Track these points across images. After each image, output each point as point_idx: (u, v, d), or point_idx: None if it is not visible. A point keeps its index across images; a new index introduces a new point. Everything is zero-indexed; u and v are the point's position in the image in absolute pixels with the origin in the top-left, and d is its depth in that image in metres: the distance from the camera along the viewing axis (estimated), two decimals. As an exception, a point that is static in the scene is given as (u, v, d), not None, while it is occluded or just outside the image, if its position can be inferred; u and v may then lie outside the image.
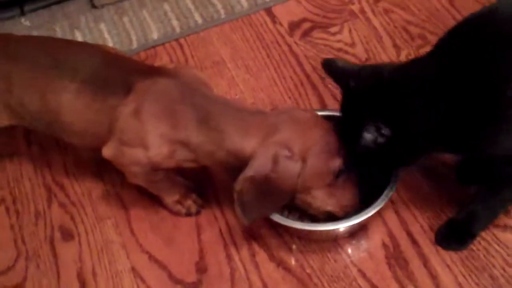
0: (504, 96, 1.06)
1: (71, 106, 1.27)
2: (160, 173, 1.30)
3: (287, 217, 1.30)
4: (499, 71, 1.07)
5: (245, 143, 1.18)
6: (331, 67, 1.28)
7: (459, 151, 1.23)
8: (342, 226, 1.26)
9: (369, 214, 1.24)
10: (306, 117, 1.22)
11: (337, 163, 1.20)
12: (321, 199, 1.23)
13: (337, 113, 1.28)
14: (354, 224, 1.25)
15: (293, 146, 1.16)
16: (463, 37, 1.14)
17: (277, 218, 1.26)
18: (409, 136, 1.14)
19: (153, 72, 1.28)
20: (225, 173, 1.26)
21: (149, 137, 1.22)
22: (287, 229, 1.32)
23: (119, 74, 1.28)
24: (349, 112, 1.21)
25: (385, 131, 1.12)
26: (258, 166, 1.16)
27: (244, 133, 1.19)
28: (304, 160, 1.17)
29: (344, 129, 1.22)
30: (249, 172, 1.16)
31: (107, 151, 1.26)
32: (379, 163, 1.22)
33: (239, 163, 1.18)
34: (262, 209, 1.22)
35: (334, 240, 1.33)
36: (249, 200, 1.17)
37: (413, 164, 1.27)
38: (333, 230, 1.27)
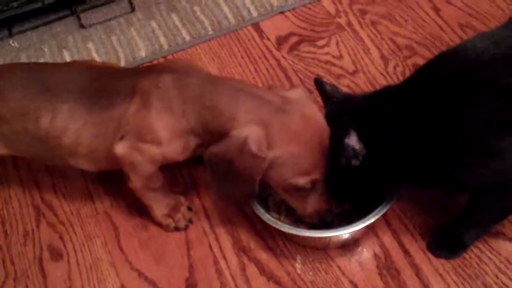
0: (462, 132, 1.08)
1: (69, 127, 1.27)
2: (160, 178, 1.31)
3: (283, 220, 1.29)
4: (458, 110, 1.08)
5: (230, 123, 1.17)
6: (319, 88, 1.31)
7: (425, 184, 1.22)
8: (334, 235, 1.24)
9: (358, 227, 1.22)
10: (301, 123, 1.17)
11: (301, 181, 1.18)
12: (288, 200, 1.24)
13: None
14: (344, 234, 1.24)
15: (265, 147, 1.15)
16: (430, 75, 1.16)
17: (270, 221, 1.26)
18: (379, 156, 1.14)
19: (147, 71, 1.28)
20: None
21: (162, 134, 1.22)
22: (284, 234, 1.31)
23: (111, 82, 1.27)
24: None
25: (361, 148, 1.12)
26: (225, 147, 1.16)
27: (233, 112, 1.18)
28: (269, 165, 1.16)
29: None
30: (216, 148, 1.17)
31: (120, 149, 1.25)
32: (357, 186, 1.21)
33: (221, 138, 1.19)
34: (230, 187, 1.21)
35: (324, 248, 1.31)
36: (217, 172, 1.19)
37: (393, 188, 1.25)
38: (324, 237, 1.26)
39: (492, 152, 1.08)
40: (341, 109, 1.25)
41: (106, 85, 1.28)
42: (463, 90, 1.09)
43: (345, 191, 1.22)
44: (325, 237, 1.26)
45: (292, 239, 1.33)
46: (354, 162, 1.14)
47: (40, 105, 1.27)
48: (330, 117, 1.22)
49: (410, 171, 1.15)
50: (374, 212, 1.23)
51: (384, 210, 1.23)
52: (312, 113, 1.20)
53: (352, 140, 1.12)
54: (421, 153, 1.12)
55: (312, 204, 1.23)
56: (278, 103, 1.18)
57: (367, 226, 1.23)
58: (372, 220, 1.22)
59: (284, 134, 1.15)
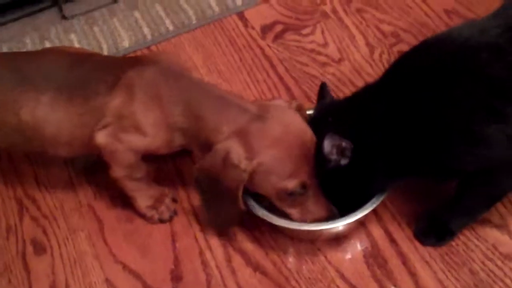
0: (448, 120, 1.07)
1: (51, 117, 1.25)
2: (143, 169, 1.30)
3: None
4: (444, 98, 1.07)
5: (214, 134, 1.18)
6: (320, 93, 1.30)
7: (415, 173, 1.20)
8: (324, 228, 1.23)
9: (348, 221, 1.21)
10: (280, 128, 1.17)
11: (290, 185, 1.16)
12: (280, 206, 1.22)
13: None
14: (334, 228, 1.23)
15: (246, 156, 1.14)
16: (413, 63, 1.15)
17: (261, 214, 1.25)
18: (367, 154, 1.14)
19: (133, 62, 1.27)
20: None
21: (145, 126, 1.22)
22: (275, 227, 1.28)
23: (94, 72, 1.26)
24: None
25: (346, 143, 1.11)
26: (210, 161, 1.17)
27: (217, 124, 1.18)
28: (253, 172, 1.15)
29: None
30: (202, 163, 1.18)
31: (102, 138, 1.24)
32: (345, 186, 1.20)
33: (208, 149, 1.19)
34: (217, 206, 1.22)
35: (316, 240, 1.31)
36: (204, 188, 1.20)
37: (384, 187, 1.24)
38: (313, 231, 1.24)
39: (478, 138, 1.07)
40: (326, 112, 1.24)
41: (88, 74, 1.26)
42: (448, 78, 1.08)
43: (338, 194, 1.20)
44: (317, 230, 1.24)
45: (284, 232, 1.31)
46: (343, 161, 1.13)
47: (19, 97, 1.25)
48: (315, 122, 1.22)
49: (399, 162, 1.14)
50: (367, 205, 1.21)
51: (378, 203, 1.22)
52: (291, 118, 1.20)
53: (328, 144, 1.11)
54: (408, 143, 1.11)
55: (312, 213, 1.21)
56: (256, 111, 1.18)
57: (358, 220, 1.22)
58: (366, 213, 1.21)
59: (263, 141, 1.15)
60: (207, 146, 1.20)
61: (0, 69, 1.29)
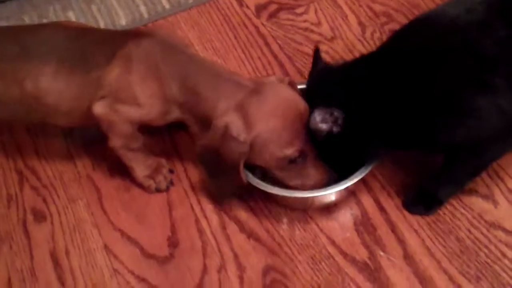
0: (438, 93, 1.12)
1: (53, 88, 1.28)
2: (139, 139, 1.34)
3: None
4: (434, 71, 1.12)
5: (213, 110, 1.22)
6: (314, 58, 1.33)
7: (403, 146, 1.25)
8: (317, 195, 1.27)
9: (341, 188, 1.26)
10: (274, 104, 1.22)
11: (288, 152, 1.21)
12: (281, 177, 1.27)
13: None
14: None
15: (242, 130, 1.19)
16: (406, 39, 1.20)
17: (254, 182, 1.29)
18: (359, 122, 1.18)
19: (132, 35, 1.30)
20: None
21: (141, 97, 1.25)
22: (268, 195, 1.32)
23: (95, 44, 1.30)
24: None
25: (337, 113, 1.16)
26: (210, 137, 1.21)
27: (214, 100, 1.23)
28: (252, 144, 1.19)
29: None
30: (203, 140, 1.22)
31: (99, 108, 1.28)
32: (340, 153, 1.25)
33: (207, 125, 1.23)
34: (221, 178, 1.26)
35: (309, 207, 1.35)
36: (208, 164, 1.24)
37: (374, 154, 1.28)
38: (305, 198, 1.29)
39: (469, 110, 1.11)
40: (319, 80, 1.28)
41: (88, 47, 1.30)
42: (438, 52, 1.12)
43: (334, 161, 1.25)
44: (309, 198, 1.29)
45: (277, 200, 1.36)
46: (335, 129, 1.17)
47: (23, 68, 1.28)
48: (309, 90, 1.27)
49: (390, 133, 1.18)
50: (357, 173, 1.26)
51: (367, 171, 1.26)
52: (285, 91, 1.25)
53: (318, 117, 1.16)
54: (400, 115, 1.15)
55: (311, 177, 1.26)
56: (251, 86, 1.23)
57: (348, 188, 1.27)
58: (355, 181, 1.25)
59: (260, 113, 1.19)
60: (205, 122, 1.24)
61: (4, 42, 1.33)
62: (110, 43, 1.29)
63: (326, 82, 1.25)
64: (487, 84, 1.09)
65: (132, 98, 1.26)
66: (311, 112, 1.19)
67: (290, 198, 1.29)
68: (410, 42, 1.18)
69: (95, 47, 1.30)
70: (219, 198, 1.37)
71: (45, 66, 1.28)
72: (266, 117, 1.20)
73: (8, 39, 1.34)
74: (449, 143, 1.19)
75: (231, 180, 1.25)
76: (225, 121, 1.20)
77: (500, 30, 1.09)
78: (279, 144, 1.20)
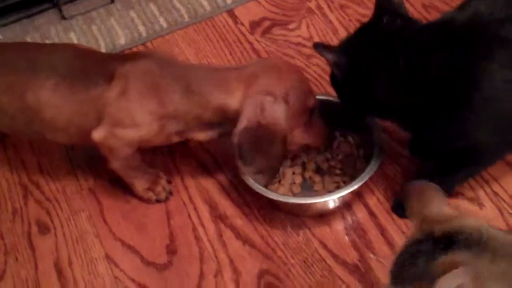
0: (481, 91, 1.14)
1: (52, 102, 1.33)
2: (138, 158, 1.39)
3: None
4: (466, 74, 1.14)
5: (229, 98, 1.27)
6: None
7: (421, 132, 1.29)
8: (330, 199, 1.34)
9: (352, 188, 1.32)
10: (279, 63, 1.34)
11: (312, 100, 1.30)
12: (300, 136, 1.33)
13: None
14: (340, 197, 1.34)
15: (275, 90, 1.26)
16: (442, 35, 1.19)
17: (258, 189, 1.35)
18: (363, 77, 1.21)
19: (129, 57, 1.37)
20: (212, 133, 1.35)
21: (139, 116, 1.30)
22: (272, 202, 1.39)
23: (95, 65, 1.35)
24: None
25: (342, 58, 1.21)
26: (248, 117, 1.25)
27: (226, 89, 1.28)
28: (286, 101, 1.26)
29: None
30: (241, 124, 1.25)
31: (98, 134, 1.32)
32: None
33: (226, 119, 1.28)
34: (264, 158, 1.29)
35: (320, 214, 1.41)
36: (248, 150, 1.27)
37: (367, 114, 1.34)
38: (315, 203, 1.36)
39: (504, 112, 1.16)
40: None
41: (89, 66, 1.35)
42: (481, 49, 1.14)
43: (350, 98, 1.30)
44: (320, 202, 1.35)
45: (279, 207, 1.41)
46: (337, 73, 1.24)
47: (26, 81, 1.33)
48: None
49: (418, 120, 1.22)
50: (358, 179, 1.32)
51: (367, 178, 1.32)
52: (276, 58, 1.46)
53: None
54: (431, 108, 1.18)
55: (318, 130, 1.35)
56: (251, 64, 1.34)
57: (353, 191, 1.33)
58: (356, 187, 1.31)
59: (278, 76, 1.28)
60: (223, 117, 1.29)
61: (13, 56, 1.39)
62: (109, 64, 1.34)
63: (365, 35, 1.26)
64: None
65: (130, 118, 1.30)
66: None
67: (288, 203, 1.36)
68: (454, 33, 1.18)
69: (95, 67, 1.35)
70: (260, 183, 1.37)
71: (47, 80, 1.33)
72: (283, 71, 1.29)
73: (19, 53, 1.40)
74: (478, 141, 1.21)
75: (276, 154, 1.30)
76: (254, 94, 1.25)
77: None
78: (304, 96, 1.29)
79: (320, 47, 1.24)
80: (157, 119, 1.30)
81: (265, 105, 1.24)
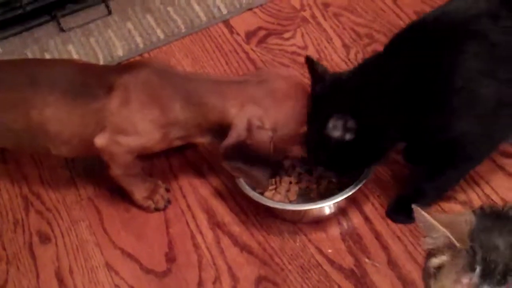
0: (448, 88, 1.19)
1: (55, 116, 1.36)
2: (138, 165, 1.42)
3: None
4: (440, 68, 1.19)
5: (225, 113, 1.31)
6: (310, 67, 1.36)
7: (414, 138, 1.32)
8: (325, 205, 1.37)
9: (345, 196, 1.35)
10: (283, 87, 1.33)
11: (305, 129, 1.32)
12: (299, 151, 1.37)
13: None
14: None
15: (265, 117, 1.29)
16: (408, 40, 1.27)
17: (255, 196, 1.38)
18: (372, 127, 1.24)
19: (126, 67, 1.40)
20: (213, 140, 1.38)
21: (141, 125, 1.33)
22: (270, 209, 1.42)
23: (94, 78, 1.38)
24: (315, 115, 1.31)
25: (351, 123, 1.22)
26: (236, 135, 1.29)
27: (224, 103, 1.31)
28: (274, 130, 1.29)
29: (311, 133, 1.32)
30: (229, 139, 1.30)
31: (101, 140, 1.35)
32: (350, 162, 1.32)
33: (223, 130, 1.31)
34: (253, 169, 1.33)
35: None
36: (236, 163, 1.31)
37: (382, 158, 1.35)
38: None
39: (476, 100, 1.19)
40: (330, 88, 1.31)
41: (89, 80, 1.38)
42: (455, 43, 1.19)
43: (341, 164, 1.32)
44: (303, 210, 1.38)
45: (276, 213, 1.44)
46: (348, 137, 1.24)
47: (30, 98, 1.36)
48: (319, 98, 1.31)
49: (404, 130, 1.25)
50: (353, 185, 1.35)
51: (361, 184, 1.35)
52: (285, 72, 1.43)
53: (333, 125, 1.22)
54: (417, 110, 1.21)
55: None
56: (255, 79, 1.35)
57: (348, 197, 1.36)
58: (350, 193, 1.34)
59: (274, 98, 1.30)
60: (218, 128, 1.33)
61: (14, 73, 1.42)
62: (107, 76, 1.37)
63: (336, 90, 1.29)
64: (495, 75, 1.17)
65: (132, 127, 1.34)
66: (326, 120, 1.23)
67: (285, 210, 1.39)
68: (423, 35, 1.24)
69: (95, 79, 1.37)
70: (256, 187, 1.40)
71: (50, 96, 1.35)
72: (281, 100, 1.31)
73: (20, 70, 1.43)
74: (462, 136, 1.24)
75: (262, 166, 1.33)
76: (245, 116, 1.29)
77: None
78: (298, 121, 1.31)
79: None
80: (159, 128, 1.34)
81: (252, 128, 1.29)
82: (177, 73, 1.39)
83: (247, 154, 1.30)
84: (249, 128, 1.29)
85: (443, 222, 0.90)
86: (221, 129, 1.32)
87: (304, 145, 1.34)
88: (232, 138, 1.30)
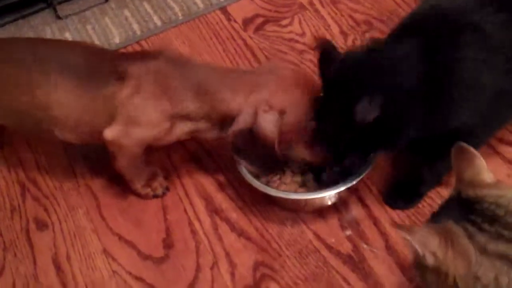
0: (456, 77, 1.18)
1: (63, 99, 1.33)
2: (143, 156, 1.40)
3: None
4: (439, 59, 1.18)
5: (233, 102, 1.30)
6: (324, 51, 1.31)
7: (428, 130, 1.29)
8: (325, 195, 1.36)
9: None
10: (291, 75, 1.33)
11: (310, 118, 1.30)
12: (301, 151, 1.35)
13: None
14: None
15: (272, 102, 1.27)
16: (418, 24, 1.25)
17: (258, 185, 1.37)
18: (399, 105, 1.20)
19: (138, 56, 1.38)
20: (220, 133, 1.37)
21: (153, 115, 1.31)
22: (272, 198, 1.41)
23: (105, 63, 1.35)
24: (337, 97, 1.24)
25: (378, 99, 1.16)
26: (242, 121, 1.28)
27: (233, 93, 1.30)
28: (281, 113, 1.27)
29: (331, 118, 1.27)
30: (235, 126, 1.29)
31: (111, 133, 1.32)
32: (367, 145, 1.28)
33: (231, 122, 1.30)
34: (257, 156, 1.31)
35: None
36: (244, 150, 1.30)
37: (398, 145, 1.30)
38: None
39: (477, 88, 1.19)
40: (347, 68, 1.25)
41: (99, 64, 1.35)
42: (453, 34, 1.19)
43: (363, 146, 1.28)
44: (322, 197, 1.37)
45: (278, 202, 1.43)
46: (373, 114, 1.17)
47: (36, 78, 1.33)
48: (340, 78, 1.24)
49: (426, 116, 1.22)
50: (356, 175, 1.35)
51: (364, 174, 1.34)
52: (289, 65, 1.45)
53: (362, 105, 1.16)
54: (431, 96, 1.19)
55: (319, 151, 1.33)
56: (260, 70, 1.37)
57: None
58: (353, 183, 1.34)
59: (281, 88, 1.29)
60: (226, 119, 1.32)
61: (21, 52, 1.38)
62: (119, 63, 1.34)
63: (359, 69, 1.23)
64: (494, 65, 1.17)
65: (145, 117, 1.31)
66: (356, 101, 1.16)
67: (288, 199, 1.38)
68: (423, 26, 1.23)
69: (105, 65, 1.34)
70: (262, 173, 1.40)
71: (58, 77, 1.32)
72: (287, 89, 1.30)
73: (27, 49, 1.39)
74: (464, 124, 1.23)
75: (269, 154, 1.30)
76: (253, 103, 1.28)
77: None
78: (304, 112, 1.30)
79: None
80: (170, 118, 1.32)
81: (258, 112, 1.27)
82: (189, 63, 1.36)
83: (254, 141, 1.28)
84: (255, 113, 1.27)
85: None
86: (230, 121, 1.31)
87: (312, 141, 1.32)
88: (238, 123, 1.29)
